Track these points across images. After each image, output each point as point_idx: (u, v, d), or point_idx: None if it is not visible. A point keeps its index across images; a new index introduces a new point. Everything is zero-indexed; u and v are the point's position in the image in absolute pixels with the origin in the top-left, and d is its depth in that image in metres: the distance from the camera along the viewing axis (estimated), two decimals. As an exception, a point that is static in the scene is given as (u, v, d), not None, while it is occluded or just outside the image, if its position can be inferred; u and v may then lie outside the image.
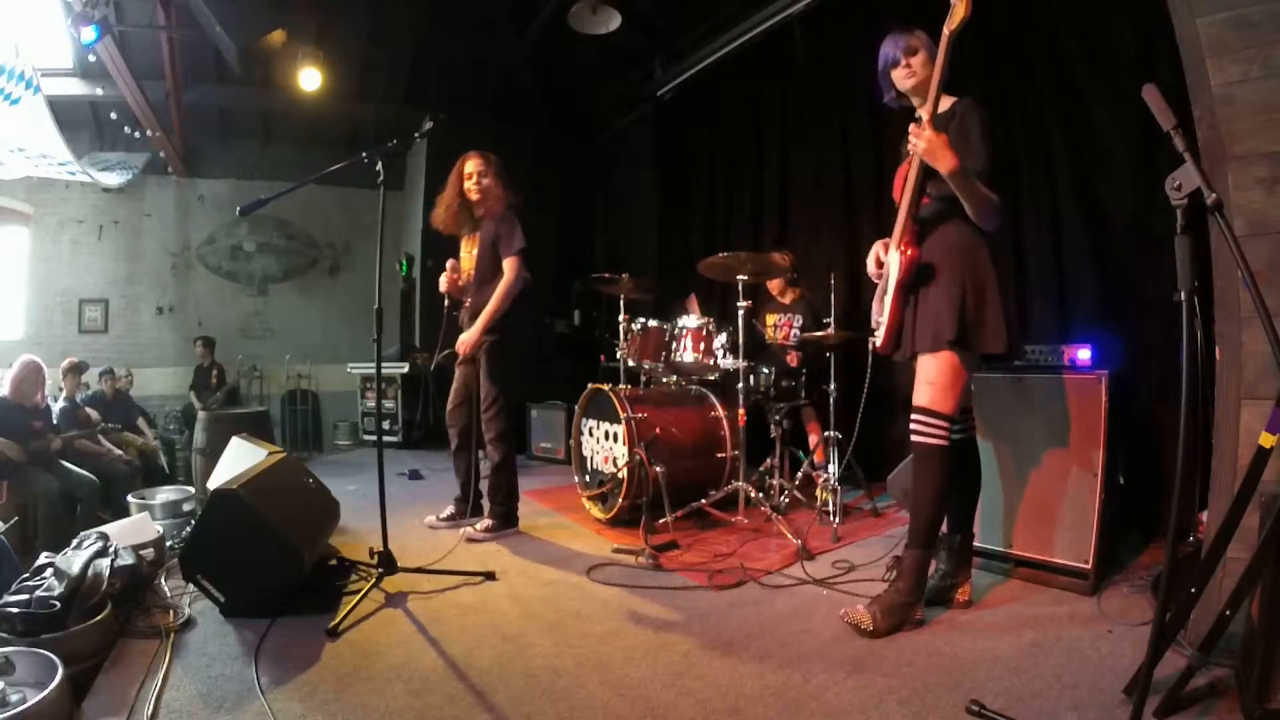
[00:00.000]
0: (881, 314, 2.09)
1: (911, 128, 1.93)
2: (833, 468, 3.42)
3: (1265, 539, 1.38)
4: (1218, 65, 1.75)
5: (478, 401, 3.18)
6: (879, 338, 2.11)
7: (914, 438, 2.03)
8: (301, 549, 2.25)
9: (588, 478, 3.63)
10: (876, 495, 3.59)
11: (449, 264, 3.30)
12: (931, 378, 2.00)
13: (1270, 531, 1.36)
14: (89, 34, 4.26)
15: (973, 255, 1.99)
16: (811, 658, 1.84)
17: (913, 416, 2.03)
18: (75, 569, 1.97)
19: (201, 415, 4.15)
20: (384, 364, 2.94)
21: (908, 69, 2.06)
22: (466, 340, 3.10)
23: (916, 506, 2.06)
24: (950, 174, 1.87)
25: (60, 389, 4.62)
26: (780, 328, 4.17)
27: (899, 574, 2.04)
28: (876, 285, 2.19)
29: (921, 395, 2.02)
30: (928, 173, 1.97)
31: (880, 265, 2.16)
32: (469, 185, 3.17)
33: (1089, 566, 2.22)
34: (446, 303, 3.37)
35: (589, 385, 3.59)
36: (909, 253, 2.00)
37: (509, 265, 3.07)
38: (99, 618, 1.88)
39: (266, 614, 2.12)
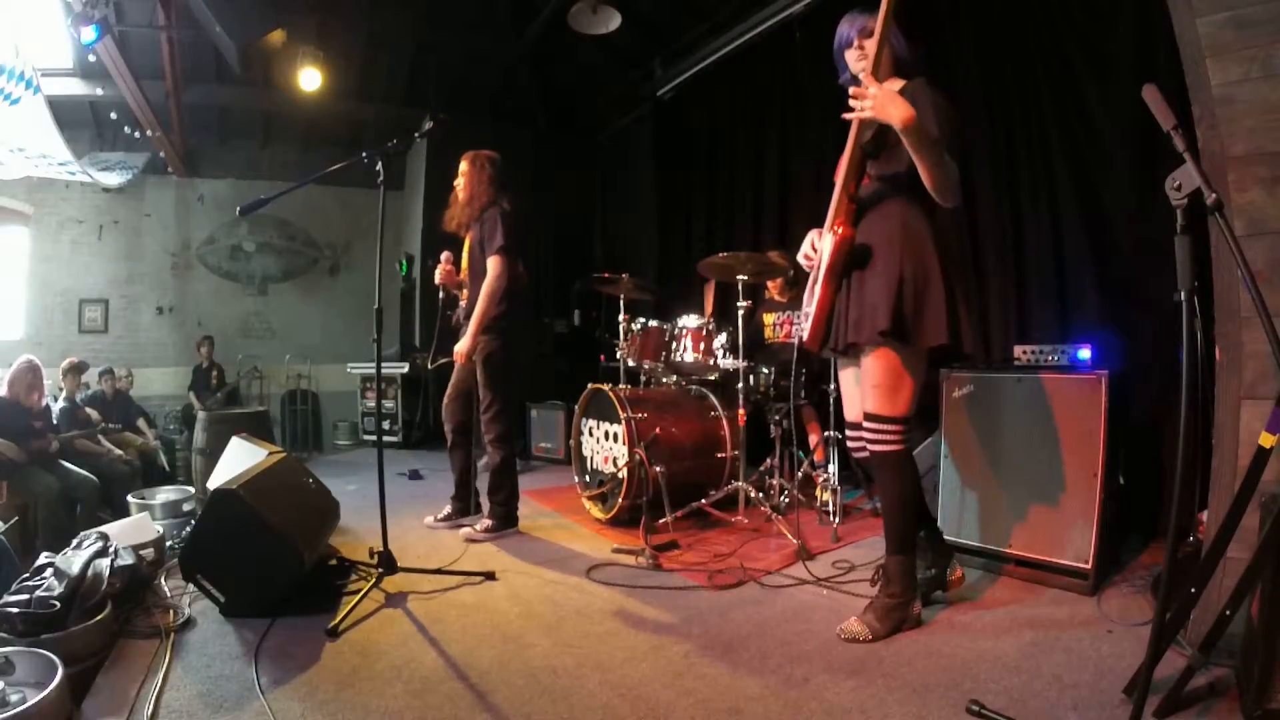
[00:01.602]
0: (810, 303, 1.95)
1: (852, 90, 1.75)
2: (833, 468, 3.42)
3: (1265, 539, 1.38)
4: (1218, 65, 1.75)
5: (475, 399, 3.19)
6: (805, 329, 1.97)
7: (870, 447, 1.96)
8: (301, 549, 2.25)
9: (588, 478, 3.62)
10: (876, 495, 3.58)
11: (443, 256, 3.34)
12: (875, 381, 1.91)
13: (1270, 531, 1.36)
14: (89, 34, 4.26)
15: (916, 240, 1.85)
16: (811, 658, 1.84)
17: (864, 425, 1.96)
18: (75, 569, 1.97)
19: (201, 415, 4.15)
20: (384, 364, 2.94)
21: (860, 51, 1.92)
22: (461, 349, 3.11)
23: (887, 515, 2.01)
24: (905, 127, 1.67)
25: (60, 389, 4.62)
26: (780, 326, 4.17)
27: (886, 579, 2.02)
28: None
29: (869, 401, 1.94)
30: (868, 150, 1.88)
31: (815, 252, 2.02)
32: (456, 185, 3.23)
33: (1089, 566, 2.22)
34: (442, 296, 3.39)
35: (589, 385, 3.59)
36: (841, 232, 1.86)
37: (491, 264, 3.06)
38: (99, 618, 1.88)
39: (266, 614, 2.12)
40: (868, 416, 1.95)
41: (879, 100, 1.70)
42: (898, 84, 1.91)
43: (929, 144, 1.72)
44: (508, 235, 3.05)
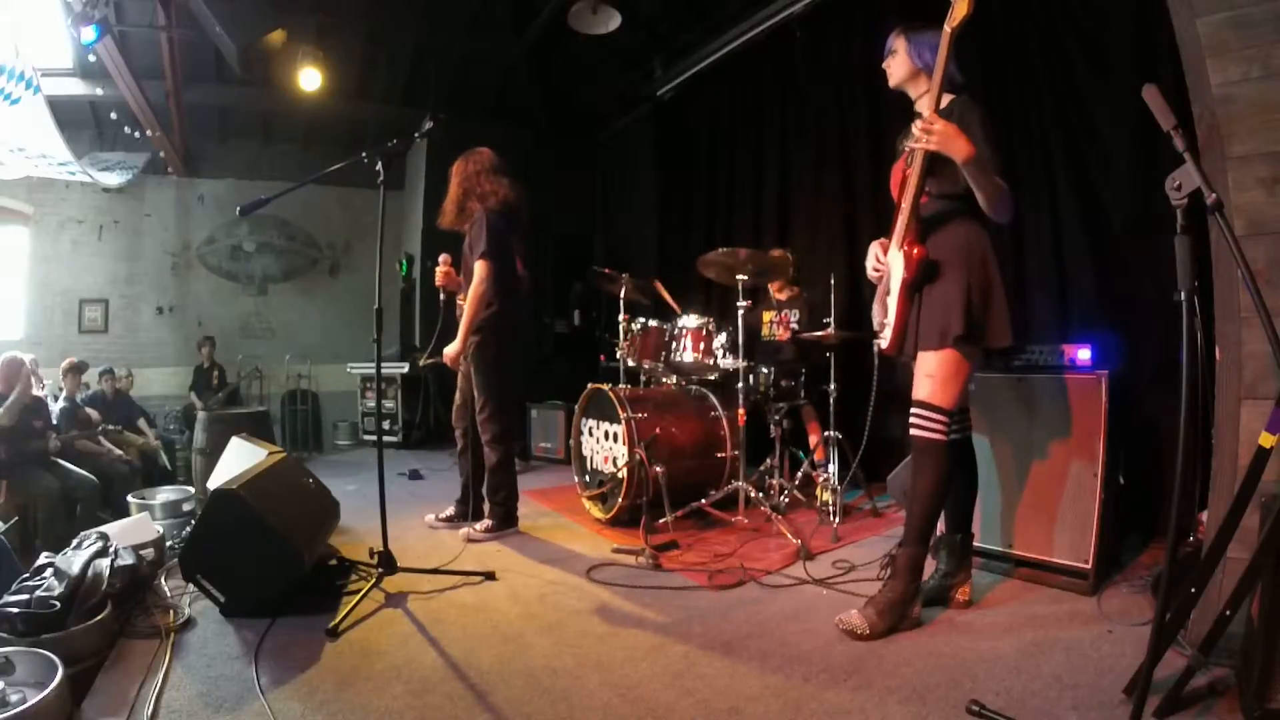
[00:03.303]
0: (886, 315, 2.08)
1: (919, 123, 1.90)
2: (833, 467, 3.42)
3: (1265, 539, 1.38)
4: (1218, 65, 1.75)
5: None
6: (885, 340, 2.09)
7: (913, 431, 2.02)
8: (301, 549, 2.25)
9: (588, 478, 3.62)
10: (876, 495, 3.59)
11: (441, 258, 3.34)
12: (931, 371, 1.99)
13: (1270, 531, 1.36)
14: (89, 34, 4.26)
15: (977, 251, 1.99)
16: (811, 657, 1.84)
17: (912, 411, 2.03)
18: (75, 569, 1.98)
19: (201, 415, 4.15)
20: (384, 364, 2.94)
21: (886, 66, 2.14)
22: (449, 353, 3.11)
23: (913, 503, 2.06)
24: (966, 162, 1.84)
25: (60, 389, 4.62)
26: (777, 324, 4.17)
27: (893, 572, 2.03)
28: (877, 286, 2.18)
29: (921, 389, 2.02)
30: (928, 169, 1.97)
31: (880, 265, 2.15)
32: (451, 186, 3.22)
33: (1089, 566, 2.22)
34: (443, 297, 3.39)
35: (589, 385, 3.59)
36: (915, 252, 1.99)
37: (476, 269, 3.03)
38: (99, 618, 1.88)
39: (266, 614, 2.12)
40: (917, 403, 2.02)
41: (943, 136, 1.84)
42: (944, 99, 2.02)
43: (986, 172, 1.87)
44: (490, 240, 3.02)
